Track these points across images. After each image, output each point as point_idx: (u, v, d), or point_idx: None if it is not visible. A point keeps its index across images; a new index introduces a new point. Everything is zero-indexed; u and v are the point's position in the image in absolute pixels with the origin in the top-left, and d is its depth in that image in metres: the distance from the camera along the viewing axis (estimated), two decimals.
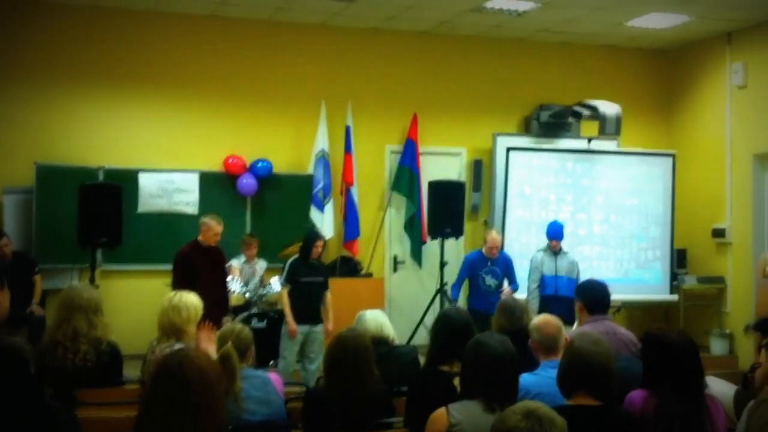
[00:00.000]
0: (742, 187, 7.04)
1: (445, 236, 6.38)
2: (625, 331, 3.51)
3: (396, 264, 7.18)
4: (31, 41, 6.27)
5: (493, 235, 5.72)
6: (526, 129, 7.44)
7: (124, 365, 3.27)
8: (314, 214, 6.54)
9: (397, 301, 7.02)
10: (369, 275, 6.84)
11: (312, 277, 5.15)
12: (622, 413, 2.33)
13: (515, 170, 6.65)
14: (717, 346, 6.91)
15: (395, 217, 7.15)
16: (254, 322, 5.74)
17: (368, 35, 7.08)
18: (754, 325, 3.18)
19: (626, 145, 7.33)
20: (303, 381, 4.96)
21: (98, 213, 5.44)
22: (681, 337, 2.48)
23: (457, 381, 2.47)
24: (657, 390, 2.40)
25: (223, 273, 5.32)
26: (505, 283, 5.72)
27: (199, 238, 5.08)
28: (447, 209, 6.36)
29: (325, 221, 6.55)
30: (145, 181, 6.42)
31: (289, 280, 5.11)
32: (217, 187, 6.60)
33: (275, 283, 6.04)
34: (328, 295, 5.23)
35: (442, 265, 6.41)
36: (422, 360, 3.19)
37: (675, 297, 7.02)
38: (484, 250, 5.69)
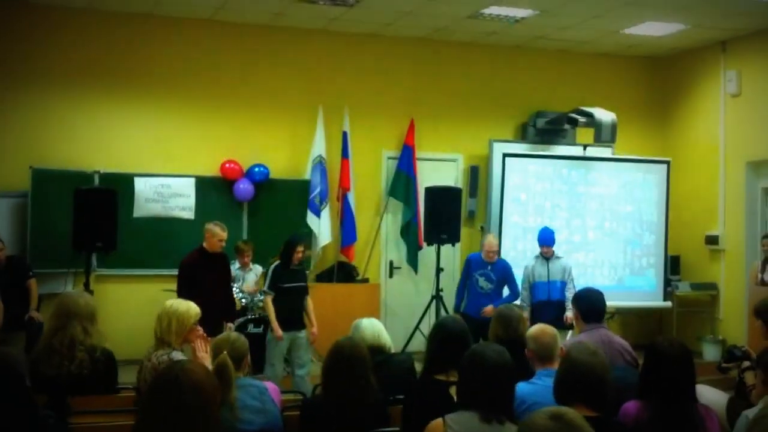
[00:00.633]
0: (735, 194, 7.09)
1: (441, 242, 6.39)
2: (619, 339, 3.53)
3: (392, 269, 7.19)
4: (27, 45, 6.25)
5: (490, 239, 5.73)
6: (522, 135, 7.47)
7: (119, 371, 3.27)
8: (311, 219, 6.54)
9: (393, 306, 7.03)
10: (365, 280, 6.86)
11: (294, 282, 5.11)
12: (617, 424, 2.34)
13: (511, 176, 6.68)
14: (710, 353, 6.95)
15: (391, 223, 7.16)
16: (251, 328, 5.73)
17: (366, 41, 7.10)
18: (725, 359, 3.21)
19: (621, 152, 7.38)
20: (294, 388, 4.97)
21: (93, 217, 5.41)
22: (672, 347, 2.48)
23: (453, 390, 2.48)
24: (650, 400, 2.41)
25: (228, 278, 5.27)
26: (505, 290, 5.70)
27: (204, 244, 5.05)
28: (443, 215, 6.38)
29: (322, 226, 6.57)
30: (140, 185, 6.41)
31: (273, 287, 5.08)
32: (214, 192, 6.59)
33: None
34: (309, 301, 5.21)
35: (439, 271, 6.42)
36: (418, 367, 3.20)
37: (668, 304, 7.07)
38: (482, 254, 5.71)
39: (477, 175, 7.30)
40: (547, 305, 5.47)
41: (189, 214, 6.50)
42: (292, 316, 5.08)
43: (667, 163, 7.09)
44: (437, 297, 6.30)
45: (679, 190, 7.31)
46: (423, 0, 6.06)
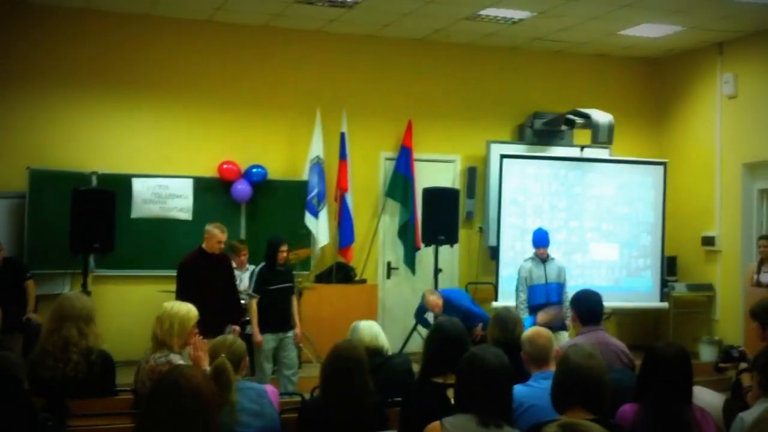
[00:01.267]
0: (731, 195, 7.11)
1: (438, 243, 6.40)
2: (616, 341, 3.55)
3: (389, 270, 7.20)
4: (24, 45, 6.24)
5: (437, 302, 5.42)
6: (519, 137, 7.48)
7: (117, 371, 3.27)
8: (309, 220, 6.55)
9: (391, 307, 7.04)
10: (363, 281, 6.86)
11: (280, 284, 5.08)
12: (614, 427, 2.35)
13: (509, 177, 6.69)
14: (706, 353, 6.97)
15: (389, 224, 7.17)
16: (248, 329, 5.73)
17: (364, 42, 7.10)
18: (721, 359, 3.21)
19: (618, 154, 7.40)
20: (282, 388, 4.95)
21: (91, 218, 5.42)
22: (670, 350, 2.50)
23: (450, 392, 2.49)
24: (647, 402, 2.42)
25: (231, 279, 5.22)
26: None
27: (204, 245, 5.04)
28: (441, 216, 6.39)
29: (320, 227, 6.57)
30: (138, 186, 6.40)
31: (258, 290, 5.06)
32: (212, 192, 6.59)
33: None
34: (295, 301, 5.20)
35: (437, 271, 6.43)
36: (416, 368, 3.21)
37: (665, 304, 7.09)
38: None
39: (474, 176, 7.31)
40: (546, 307, 5.46)
41: (187, 215, 6.49)
42: (280, 316, 5.06)
43: (664, 164, 7.11)
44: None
45: (676, 192, 7.33)
46: (421, 1, 6.07)
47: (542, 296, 5.52)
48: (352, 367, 2.63)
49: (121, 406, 3.06)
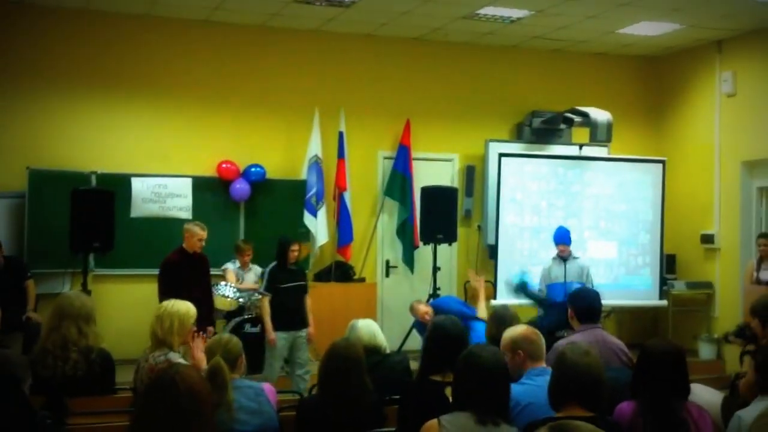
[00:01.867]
0: (730, 193, 7.12)
1: (437, 242, 6.41)
2: (614, 339, 3.55)
3: (388, 269, 7.21)
4: (23, 46, 6.25)
5: (419, 309, 5.21)
6: (518, 135, 7.49)
7: (117, 370, 3.27)
8: (308, 219, 6.56)
9: (389, 305, 7.04)
10: (362, 280, 6.87)
11: (292, 282, 5.12)
12: (612, 424, 2.36)
13: (507, 176, 6.69)
14: (705, 351, 6.98)
15: (387, 223, 7.18)
16: (247, 327, 5.74)
17: (361, 41, 7.10)
18: (735, 332, 3.22)
19: (617, 152, 7.40)
20: (293, 387, 4.98)
21: (90, 218, 5.42)
22: (665, 346, 2.51)
23: (448, 391, 2.50)
24: (644, 400, 2.43)
25: (207, 279, 5.26)
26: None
27: (184, 245, 5.07)
28: (439, 215, 6.39)
29: (319, 226, 6.58)
30: (138, 186, 6.41)
31: (270, 288, 5.09)
32: (210, 192, 6.60)
33: None
34: (308, 300, 5.22)
35: (435, 270, 6.44)
36: (414, 365, 3.21)
37: (664, 302, 7.09)
38: None
39: (473, 174, 7.31)
40: (563, 306, 5.39)
41: (186, 214, 6.50)
42: (292, 315, 5.09)
43: (663, 162, 7.11)
44: (434, 296, 6.31)
45: (675, 190, 7.33)
46: (418, 1, 6.07)
47: (560, 295, 5.42)
48: (350, 366, 2.64)
49: (120, 405, 3.07)
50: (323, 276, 6.76)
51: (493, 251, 6.86)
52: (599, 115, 6.77)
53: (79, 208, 5.43)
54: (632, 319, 7.61)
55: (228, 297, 5.76)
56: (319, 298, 6.20)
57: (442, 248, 6.57)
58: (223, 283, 5.84)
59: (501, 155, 6.73)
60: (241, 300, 5.96)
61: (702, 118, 7.44)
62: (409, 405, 2.74)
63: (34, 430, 2.12)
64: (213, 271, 5.56)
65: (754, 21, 6.56)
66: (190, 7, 6.33)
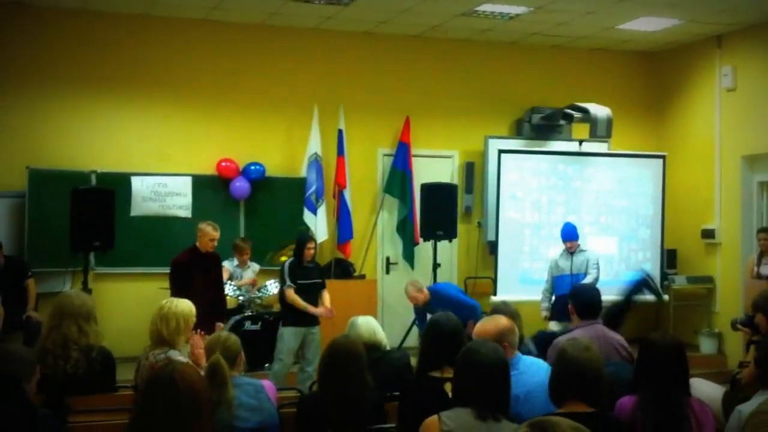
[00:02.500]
0: (730, 188, 7.11)
1: (437, 238, 6.41)
2: (615, 335, 3.55)
3: (388, 265, 7.21)
4: (22, 46, 6.24)
5: (409, 291, 5.25)
6: (517, 131, 7.48)
7: (118, 368, 3.27)
8: (307, 216, 6.56)
9: (390, 302, 7.05)
10: (362, 277, 6.87)
11: (308, 279, 5.20)
12: (613, 419, 2.36)
13: (507, 172, 6.68)
14: (706, 346, 6.98)
15: (387, 219, 7.18)
16: (247, 325, 5.75)
17: (360, 39, 7.09)
18: (741, 321, 3.23)
19: (617, 147, 7.39)
20: (300, 383, 5.02)
21: (90, 217, 5.43)
22: (665, 341, 2.51)
23: (448, 386, 2.50)
24: (645, 394, 2.43)
25: (220, 278, 5.31)
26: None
27: (197, 243, 5.08)
28: (439, 211, 6.39)
29: (319, 224, 6.58)
30: (137, 184, 6.41)
31: (293, 281, 5.16)
32: (210, 190, 6.60)
33: (271, 286, 6.05)
34: (326, 294, 5.28)
35: (435, 266, 6.44)
36: (414, 362, 3.21)
37: (665, 297, 7.08)
38: None
39: (473, 171, 7.31)
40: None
41: (186, 213, 6.51)
42: (304, 312, 5.15)
43: (663, 157, 7.11)
44: None
45: (675, 185, 7.32)
46: None
47: (567, 286, 5.45)
48: (350, 363, 2.64)
49: (121, 403, 3.07)
50: (323, 273, 6.75)
51: (493, 247, 6.86)
52: (599, 110, 6.76)
53: (79, 208, 5.44)
54: (633, 314, 7.59)
55: (227, 295, 5.76)
56: None
57: (443, 245, 6.57)
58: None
59: (500, 151, 6.72)
60: (240, 298, 5.96)
61: (702, 112, 7.43)
62: (408, 401, 2.74)
63: (35, 428, 2.12)
64: None
65: (753, 15, 6.54)
66: (188, 6, 6.32)
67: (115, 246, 5.62)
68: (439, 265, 6.46)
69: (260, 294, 6.08)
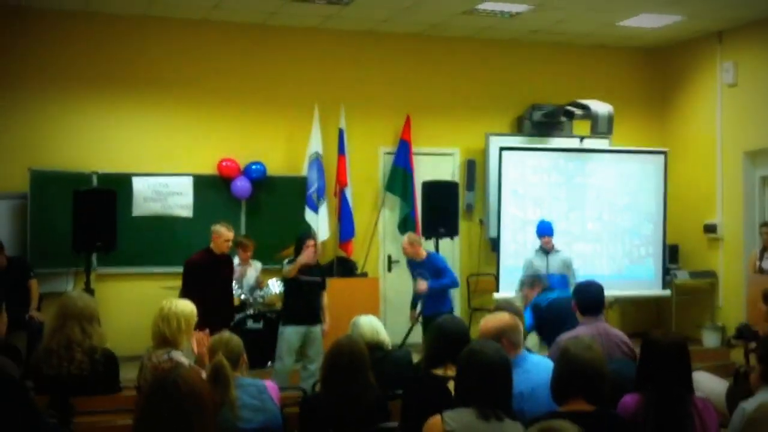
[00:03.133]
0: (732, 183, 7.10)
1: (439, 236, 6.41)
2: (617, 332, 3.55)
3: (390, 263, 7.21)
4: (22, 48, 6.25)
5: (402, 243, 5.55)
6: (518, 128, 7.47)
7: (121, 367, 3.28)
8: (309, 215, 6.56)
9: (392, 299, 7.05)
10: (364, 275, 6.88)
11: (309, 276, 5.18)
12: (616, 417, 2.36)
13: (508, 169, 6.68)
14: (709, 340, 6.99)
15: (389, 217, 7.18)
16: (250, 323, 5.76)
17: (361, 38, 7.08)
18: (734, 335, 3.24)
19: (619, 144, 7.37)
20: (303, 380, 5.04)
21: (92, 218, 5.44)
22: (667, 339, 2.50)
23: (451, 385, 2.50)
24: (648, 392, 2.44)
25: (230, 280, 5.27)
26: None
27: (211, 245, 5.06)
28: (441, 209, 6.40)
29: (320, 222, 6.58)
30: (139, 185, 6.42)
31: (289, 278, 5.14)
32: (212, 190, 6.61)
33: (273, 285, 6.06)
34: (325, 296, 5.26)
35: None
36: (417, 358, 3.22)
37: (668, 292, 7.09)
38: None
39: (474, 168, 7.30)
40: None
41: (187, 212, 6.52)
42: (306, 310, 5.14)
43: (665, 153, 7.10)
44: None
45: (677, 180, 7.32)
46: None
47: None
48: (353, 364, 2.64)
49: (124, 404, 3.08)
50: (326, 271, 6.76)
51: (495, 244, 6.86)
52: (600, 107, 6.75)
53: (81, 208, 5.45)
54: (636, 309, 7.61)
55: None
56: None
57: (445, 242, 6.57)
58: None
59: (502, 149, 6.71)
60: (243, 296, 5.97)
61: (703, 108, 7.41)
62: (411, 400, 2.75)
63: (39, 429, 2.12)
64: None
65: (754, 11, 6.52)
66: (188, 6, 6.32)
67: (117, 246, 5.63)
68: None
69: (263, 293, 6.09)
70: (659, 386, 2.41)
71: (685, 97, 7.67)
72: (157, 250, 6.37)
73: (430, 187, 6.50)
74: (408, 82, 7.20)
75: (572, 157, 6.95)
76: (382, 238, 7.20)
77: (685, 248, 7.48)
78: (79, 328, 3.13)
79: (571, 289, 5.25)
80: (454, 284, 5.63)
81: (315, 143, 6.63)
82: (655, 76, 7.90)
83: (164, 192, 6.50)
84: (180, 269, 5.19)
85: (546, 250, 5.62)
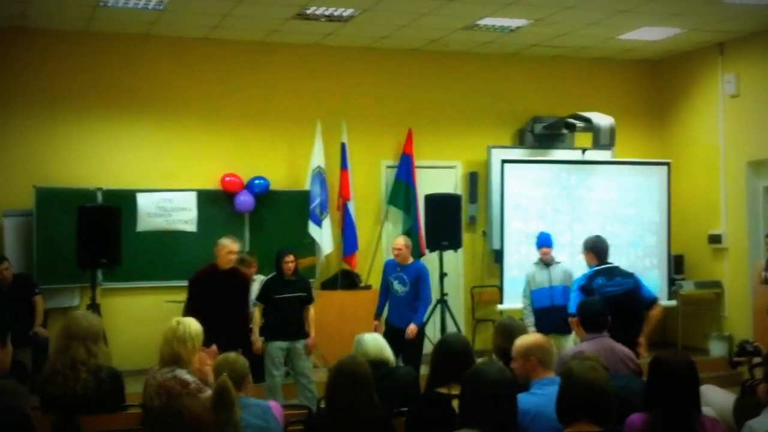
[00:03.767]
0: (736, 193, 7.10)
1: (442, 248, 6.41)
2: (622, 347, 3.54)
3: None
4: (27, 69, 6.32)
5: (398, 240, 5.52)
6: (520, 141, 7.49)
7: (126, 381, 3.29)
8: (312, 229, 6.59)
9: None
10: (368, 287, 6.89)
11: (288, 293, 5.12)
12: None
13: (510, 182, 6.68)
14: (716, 349, 6.97)
15: (392, 231, 7.19)
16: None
17: (362, 54, 7.13)
18: (736, 353, 3.24)
19: (621, 155, 7.38)
20: (300, 394, 5.03)
21: (97, 234, 5.46)
22: (676, 359, 2.49)
23: (455, 403, 2.50)
24: (655, 412, 2.42)
25: (241, 295, 5.12)
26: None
27: (216, 261, 5.00)
28: (444, 222, 6.39)
29: (324, 236, 6.61)
30: (143, 201, 6.46)
31: (262, 299, 5.14)
32: (215, 204, 6.64)
33: None
34: (311, 310, 5.22)
35: (442, 276, 6.43)
36: (423, 369, 3.20)
37: (673, 302, 7.06)
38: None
39: (476, 181, 7.32)
40: (551, 311, 5.40)
41: (191, 227, 6.55)
42: (287, 325, 5.11)
43: (668, 164, 7.10)
44: (442, 301, 6.31)
45: (681, 191, 7.31)
46: (417, 14, 6.08)
47: (546, 299, 5.46)
48: (357, 384, 2.63)
49: (130, 422, 3.09)
50: (330, 284, 6.78)
51: (498, 256, 6.85)
52: (601, 119, 6.76)
53: (86, 225, 5.48)
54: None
55: None
56: (326, 306, 6.24)
57: (448, 255, 6.57)
58: None
59: (504, 161, 6.72)
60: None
61: (706, 119, 7.42)
62: (416, 417, 2.74)
63: None
64: None
65: (755, 23, 6.54)
66: (190, 25, 6.37)
67: (121, 261, 5.65)
68: (445, 274, 6.46)
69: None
70: (667, 406, 2.40)
71: (687, 108, 7.68)
72: (162, 265, 6.40)
73: (433, 200, 6.51)
74: (409, 96, 7.23)
75: (574, 169, 6.95)
76: (386, 250, 7.19)
77: (690, 258, 7.47)
78: (84, 348, 3.14)
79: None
80: (428, 303, 5.58)
81: (317, 158, 6.66)
82: (657, 87, 7.92)
83: (168, 207, 6.53)
84: (184, 283, 5.21)
85: (546, 262, 5.58)
